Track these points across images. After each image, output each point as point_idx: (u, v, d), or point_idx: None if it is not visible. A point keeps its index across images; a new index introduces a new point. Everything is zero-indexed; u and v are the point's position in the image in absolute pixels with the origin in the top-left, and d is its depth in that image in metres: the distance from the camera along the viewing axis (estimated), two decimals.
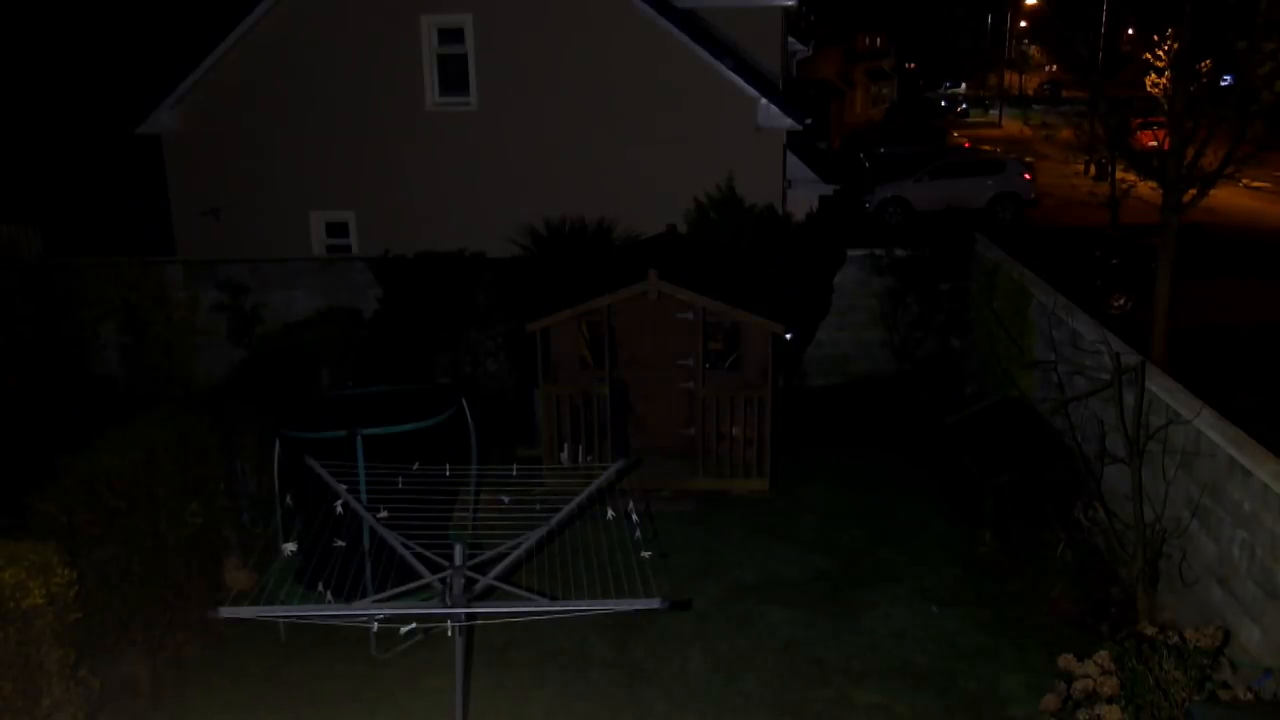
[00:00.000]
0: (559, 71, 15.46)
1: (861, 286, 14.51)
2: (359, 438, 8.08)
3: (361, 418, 8.40)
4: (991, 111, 62.41)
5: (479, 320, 14.19)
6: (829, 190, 18.97)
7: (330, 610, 6.46)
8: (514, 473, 7.05)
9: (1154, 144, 13.96)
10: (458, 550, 5.73)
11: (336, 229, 16.51)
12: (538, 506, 6.58)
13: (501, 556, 6.02)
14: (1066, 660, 6.61)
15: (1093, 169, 29.76)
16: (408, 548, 5.96)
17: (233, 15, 15.69)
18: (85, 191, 24.47)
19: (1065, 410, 8.97)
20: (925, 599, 9.12)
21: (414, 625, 6.95)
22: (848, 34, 48.41)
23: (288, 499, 7.48)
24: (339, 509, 6.44)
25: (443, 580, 5.70)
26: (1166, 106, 13.01)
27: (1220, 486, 7.35)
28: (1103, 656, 6.46)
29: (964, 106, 65.19)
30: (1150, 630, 6.73)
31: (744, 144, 15.18)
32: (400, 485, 6.60)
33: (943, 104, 63.72)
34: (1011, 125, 55.47)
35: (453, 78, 15.77)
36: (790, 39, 23.01)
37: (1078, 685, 6.39)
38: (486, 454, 9.07)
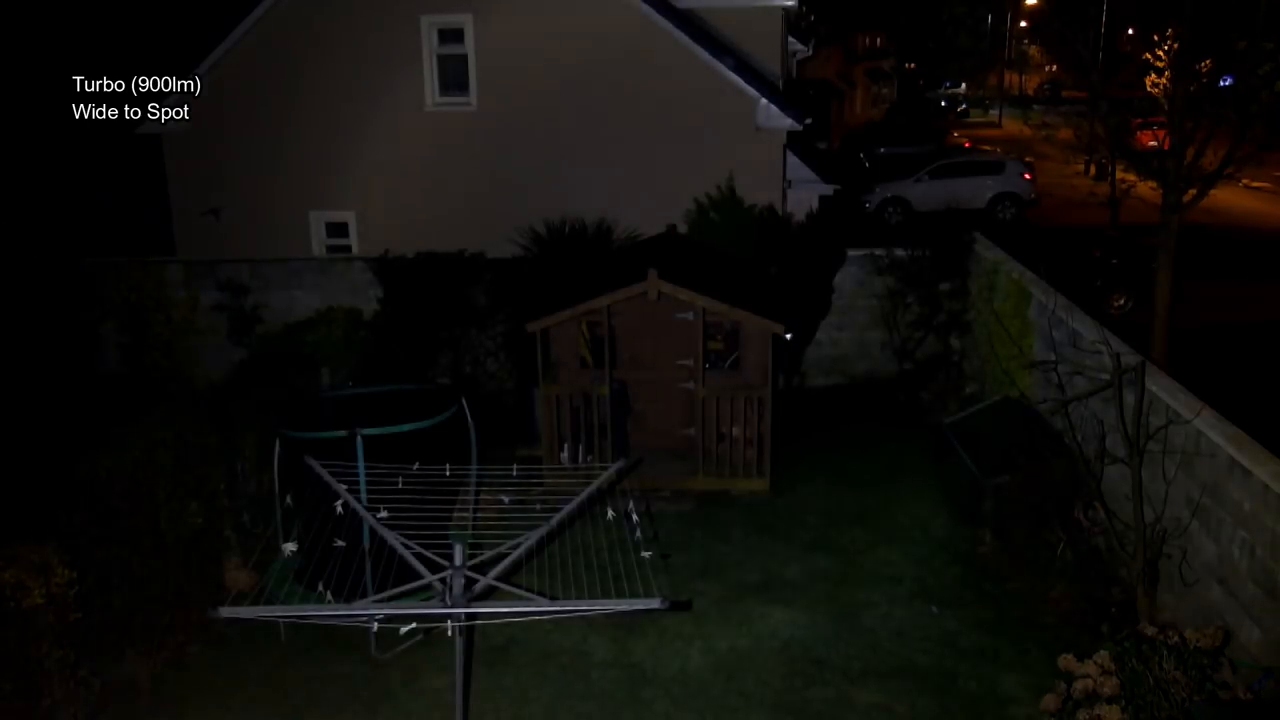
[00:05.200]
0: (558, 72, 15.45)
1: (861, 286, 14.51)
2: (359, 438, 8.07)
3: (361, 418, 8.39)
4: (991, 111, 62.34)
5: (479, 320, 14.19)
6: (829, 190, 18.95)
7: (330, 610, 6.46)
8: (514, 473, 7.06)
9: (1154, 144, 13.97)
10: (458, 550, 5.74)
11: (336, 229, 16.50)
12: (538, 506, 6.59)
13: (501, 556, 6.03)
14: (1066, 660, 6.61)
15: (1093, 169, 29.74)
16: (408, 548, 5.96)
17: (233, 16, 15.69)
18: (85, 191, 24.47)
19: (1065, 410, 8.97)
20: (925, 599, 9.12)
21: (414, 625, 6.95)
22: (848, 34, 48.32)
23: (288, 499, 7.48)
24: (339, 509, 6.44)
25: (443, 580, 5.71)
26: (1166, 106, 13.00)
27: (1220, 486, 7.35)
28: (1103, 656, 6.46)
29: (964, 107, 65.12)
30: (1150, 630, 6.73)
31: (744, 144, 15.16)
32: (400, 485, 6.60)
33: (943, 104, 63.66)
34: (1011, 125, 55.42)
35: (453, 78, 15.77)
36: (790, 39, 22.99)
37: (1078, 685, 6.39)
38: (486, 454, 9.07)
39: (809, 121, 15.86)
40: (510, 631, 8.41)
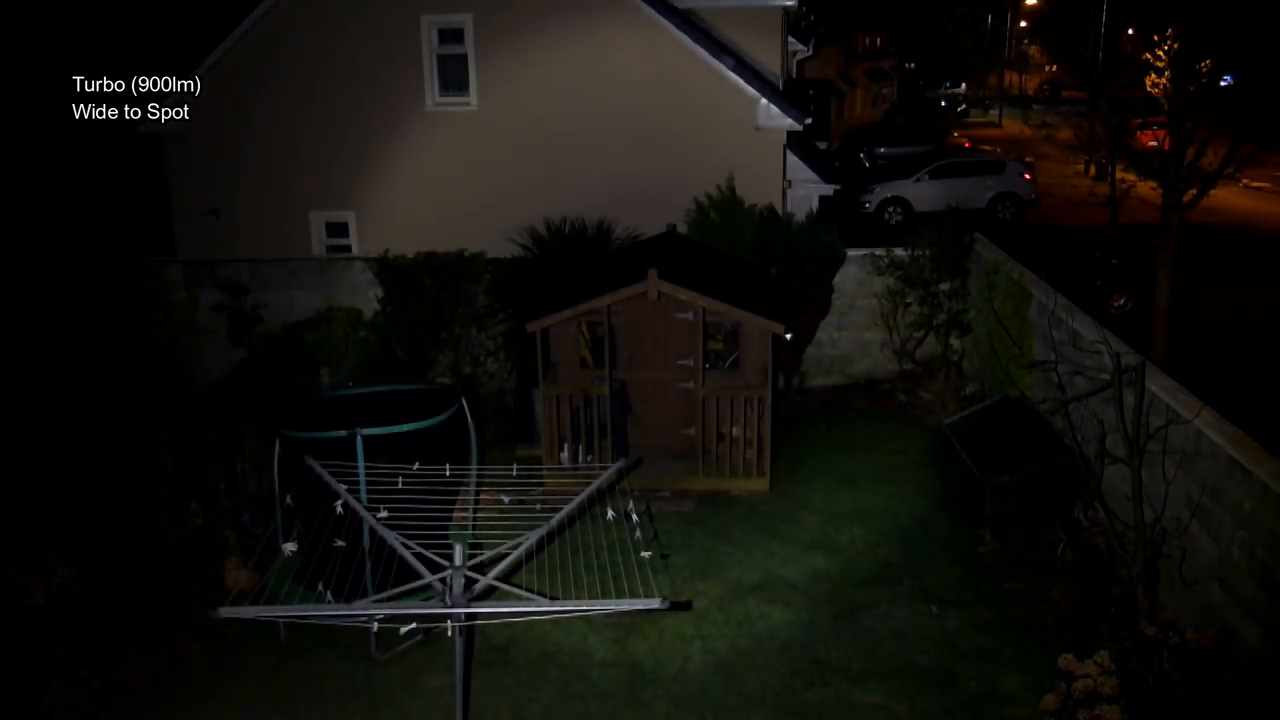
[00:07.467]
0: (559, 72, 15.45)
1: (861, 286, 14.51)
2: (359, 438, 8.08)
3: (361, 418, 8.39)
4: (991, 111, 62.35)
5: (479, 320, 14.20)
6: (829, 190, 18.94)
7: (330, 610, 6.46)
8: (514, 473, 7.06)
9: (1154, 144, 13.98)
10: (458, 550, 5.74)
11: (336, 229, 16.50)
12: (538, 506, 6.59)
13: (501, 556, 6.03)
14: (1066, 660, 6.62)
15: (1093, 169, 29.76)
16: (408, 548, 5.96)
17: (233, 16, 15.68)
18: (85, 191, 24.47)
19: (1065, 410, 8.97)
20: (925, 599, 9.12)
21: (414, 625, 6.95)
22: (848, 34, 48.30)
23: (288, 499, 7.49)
24: (339, 509, 6.44)
25: (443, 580, 5.71)
26: (1166, 106, 13.01)
27: (1220, 486, 7.35)
28: (1103, 656, 6.47)
29: (964, 107, 65.12)
30: (1150, 630, 6.74)
31: (744, 144, 15.16)
32: (400, 485, 6.61)
33: (943, 104, 63.67)
34: (1011, 125, 55.43)
35: (453, 78, 15.77)
36: (790, 39, 22.98)
37: (1078, 685, 6.40)
38: (486, 454, 9.07)
39: (809, 121, 15.86)
40: (510, 631, 8.41)
